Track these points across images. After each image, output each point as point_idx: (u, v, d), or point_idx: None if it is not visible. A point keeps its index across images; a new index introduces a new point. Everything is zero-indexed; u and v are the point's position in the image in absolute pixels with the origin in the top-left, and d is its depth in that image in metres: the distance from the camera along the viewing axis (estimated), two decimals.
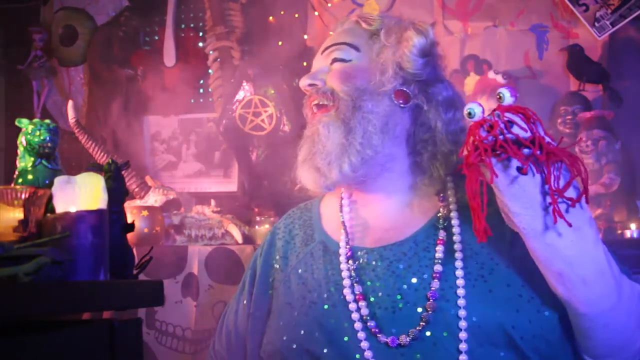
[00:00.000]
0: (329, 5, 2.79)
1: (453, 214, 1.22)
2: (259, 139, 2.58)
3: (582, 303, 1.07)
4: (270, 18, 2.79)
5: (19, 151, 1.24)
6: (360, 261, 1.22)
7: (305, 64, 2.76)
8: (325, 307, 1.20)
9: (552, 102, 2.67)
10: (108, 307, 1.13)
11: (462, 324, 1.10)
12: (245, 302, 1.35)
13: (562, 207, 1.00)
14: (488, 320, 1.11)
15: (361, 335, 1.14)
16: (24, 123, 1.24)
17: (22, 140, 1.23)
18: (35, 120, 1.24)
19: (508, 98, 1.01)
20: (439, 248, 1.19)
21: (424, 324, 1.12)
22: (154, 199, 2.50)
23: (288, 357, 1.19)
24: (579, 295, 1.06)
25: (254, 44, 2.82)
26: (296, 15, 2.81)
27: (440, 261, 1.17)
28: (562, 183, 1.00)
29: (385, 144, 1.22)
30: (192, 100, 2.98)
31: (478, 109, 1.01)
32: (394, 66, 1.25)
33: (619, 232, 2.41)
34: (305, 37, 2.80)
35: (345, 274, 1.21)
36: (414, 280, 1.16)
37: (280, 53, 2.74)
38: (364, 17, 1.34)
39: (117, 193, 1.19)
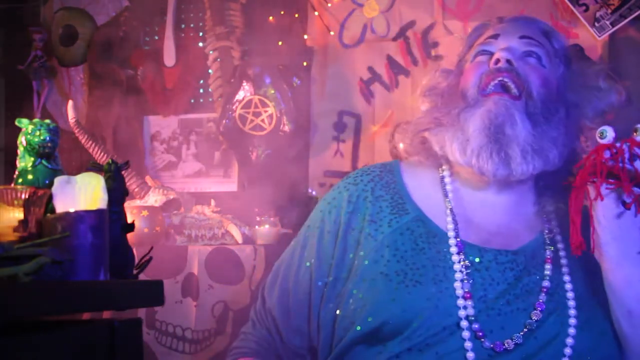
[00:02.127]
0: (329, 5, 2.79)
1: (558, 238, 1.22)
2: (259, 139, 2.58)
3: None
4: (270, 18, 2.79)
5: (19, 151, 1.24)
6: (475, 259, 1.18)
7: (305, 64, 2.76)
8: (433, 290, 1.14)
9: None
10: (108, 307, 1.13)
11: (567, 351, 1.11)
12: (311, 262, 1.27)
13: None
14: (586, 349, 1.11)
15: (465, 334, 1.12)
16: (24, 123, 1.24)
17: (22, 140, 1.23)
18: (35, 120, 1.24)
19: None
20: (548, 266, 1.19)
21: (523, 334, 1.11)
22: (154, 199, 2.50)
23: (377, 331, 1.14)
24: None
25: (254, 44, 2.82)
26: (296, 15, 2.81)
27: (548, 278, 1.17)
28: None
29: (555, 160, 1.19)
30: (192, 100, 2.98)
31: (611, 133, 1.06)
32: (572, 99, 1.26)
33: None
34: (305, 37, 2.80)
35: (457, 266, 1.16)
36: (522, 291, 1.16)
37: (280, 53, 2.74)
38: (552, 31, 1.32)
39: (117, 193, 1.18)
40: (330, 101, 2.75)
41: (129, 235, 1.20)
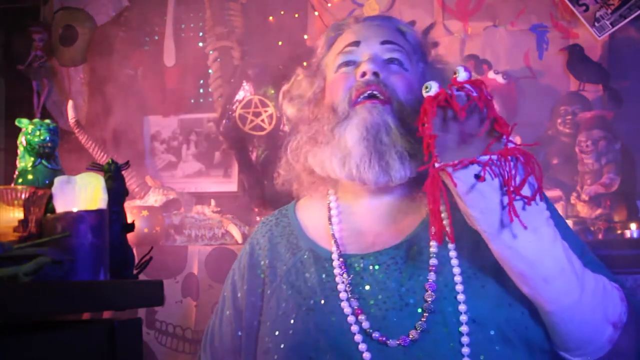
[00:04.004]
0: (329, 5, 2.79)
1: (443, 213, 1.22)
2: (259, 139, 2.58)
3: (546, 301, 1.09)
4: (270, 18, 2.79)
5: (19, 151, 1.24)
6: (356, 268, 1.21)
7: (305, 64, 2.76)
8: (324, 313, 1.18)
9: (552, 102, 2.67)
10: (108, 307, 1.13)
11: (462, 318, 1.11)
12: (229, 313, 1.33)
13: (518, 205, 1.03)
14: (483, 315, 1.12)
15: (363, 347, 1.13)
16: (24, 123, 1.24)
17: (22, 140, 1.23)
18: (35, 120, 1.24)
19: (463, 75, 1.05)
20: (433, 243, 1.19)
21: (424, 320, 1.12)
22: (154, 199, 2.50)
23: None
24: (542, 293, 1.08)
25: (254, 44, 2.82)
26: (296, 15, 2.81)
27: (435, 255, 1.18)
28: (517, 181, 1.02)
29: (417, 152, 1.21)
30: (192, 100, 2.98)
31: (435, 85, 1.05)
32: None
33: (619, 232, 2.40)
34: (305, 37, 2.80)
35: (341, 287, 1.19)
36: (412, 281, 1.17)
37: (280, 53, 2.74)
38: (407, 29, 1.34)
39: (117, 193, 1.19)
40: None
41: (129, 235, 1.20)
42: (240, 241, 2.36)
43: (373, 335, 1.13)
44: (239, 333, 1.30)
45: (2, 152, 3.16)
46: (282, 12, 2.80)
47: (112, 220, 1.13)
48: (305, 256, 1.28)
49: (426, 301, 1.14)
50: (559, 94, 2.71)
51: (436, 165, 1.04)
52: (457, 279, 1.15)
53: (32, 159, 1.23)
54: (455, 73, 1.06)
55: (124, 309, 1.07)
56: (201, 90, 2.96)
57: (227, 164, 2.93)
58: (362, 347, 1.13)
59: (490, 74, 2.68)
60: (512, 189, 1.02)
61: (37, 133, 1.22)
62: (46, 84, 3.05)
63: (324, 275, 1.23)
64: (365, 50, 1.27)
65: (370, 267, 1.21)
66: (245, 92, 2.58)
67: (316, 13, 2.77)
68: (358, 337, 1.14)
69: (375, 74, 1.23)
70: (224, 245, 2.31)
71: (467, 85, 1.04)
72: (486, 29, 2.79)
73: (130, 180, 2.47)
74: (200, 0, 2.90)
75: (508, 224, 1.03)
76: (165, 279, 2.14)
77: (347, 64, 1.29)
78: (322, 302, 1.20)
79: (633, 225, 2.38)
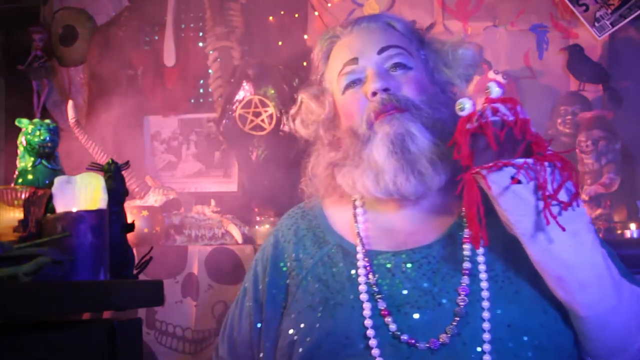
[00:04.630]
0: (329, 5, 2.79)
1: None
2: (259, 139, 2.58)
3: (582, 306, 1.08)
4: (270, 18, 2.79)
5: (19, 151, 1.24)
6: (387, 265, 1.20)
7: (305, 63, 2.76)
8: (353, 309, 1.17)
9: (552, 102, 2.67)
10: (108, 307, 1.13)
11: (494, 324, 1.10)
12: (249, 305, 1.33)
13: (555, 210, 1.02)
14: (517, 321, 1.11)
15: (388, 343, 1.12)
16: (24, 123, 1.24)
17: (22, 140, 1.23)
18: (35, 120, 1.24)
19: (496, 91, 1.04)
20: (466, 246, 1.19)
21: (455, 325, 1.11)
22: (154, 199, 2.50)
23: (312, 359, 1.17)
24: (578, 298, 1.07)
25: (254, 44, 2.82)
26: (296, 15, 2.81)
27: (468, 258, 1.17)
28: (554, 186, 1.01)
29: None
30: (192, 100, 2.98)
31: (468, 103, 1.04)
32: (443, 79, 1.28)
33: (619, 232, 2.40)
34: (305, 37, 2.80)
35: (366, 286, 1.18)
36: (445, 282, 1.16)
37: (280, 53, 2.74)
38: (396, 21, 1.33)
39: (117, 193, 1.19)
40: None
41: (129, 235, 1.20)
42: (240, 241, 2.36)
43: (402, 337, 1.12)
44: (258, 325, 1.29)
45: (2, 152, 3.16)
46: (282, 12, 2.80)
47: (112, 220, 1.13)
48: (333, 250, 1.27)
49: (458, 305, 1.12)
50: (559, 94, 2.70)
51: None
52: (491, 284, 1.14)
53: (32, 159, 1.23)
54: (487, 89, 1.05)
55: (124, 309, 1.07)
56: (201, 90, 2.96)
57: (227, 164, 2.92)
58: (381, 351, 1.12)
59: (490, 74, 2.68)
60: (547, 193, 1.01)
61: (37, 133, 1.22)
62: (46, 84, 3.05)
63: (353, 271, 1.22)
64: (366, 64, 1.26)
65: (402, 265, 1.20)
66: (245, 92, 2.58)
67: (316, 13, 2.77)
68: (379, 340, 1.13)
69: (386, 89, 1.22)
70: (224, 245, 2.31)
71: (502, 108, 1.02)
72: (486, 29, 2.78)
73: (130, 180, 2.47)
74: (200, 0, 2.90)
75: (544, 227, 1.02)
76: (165, 279, 2.14)
77: (353, 83, 1.27)
78: (351, 297, 1.19)
79: (633, 225, 2.38)
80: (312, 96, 1.35)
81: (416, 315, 1.14)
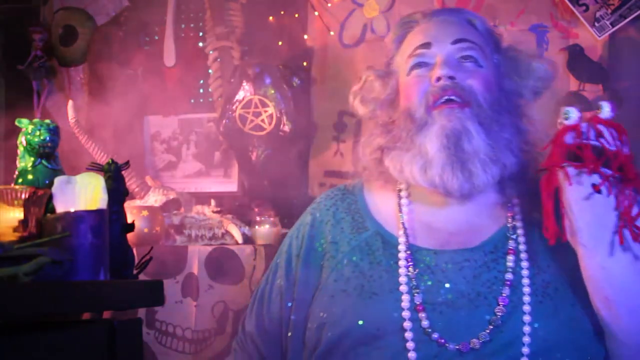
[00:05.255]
0: (329, 5, 2.79)
1: (519, 230, 1.21)
2: (259, 139, 2.58)
3: (624, 332, 1.08)
4: (270, 18, 2.79)
5: (19, 151, 1.24)
6: (428, 261, 1.19)
7: (305, 63, 2.76)
8: (389, 301, 1.16)
9: (552, 102, 2.66)
10: (108, 307, 1.13)
11: (526, 339, 1.10)
12: (280, 283, 1.30)
13: (627, 234, 1.02)
14: (551, 339, 1.11)
15: (417, 339, 1.12)
16: (24, 123, 1.24)
17: (22, 140, 1.23)
18: (35, 120, 1.24)
19: (607, 111, 1.03)
20: (510, 257, 1.18)
21: (488, 332, 1.11)
22: (154, 199, 2.50)
23: (340, 344, 1.16)
24: (622, 323, 1.07)
25: (254, 44, 2.82)
26: (296, 15, 2.80)
27: (511, 270, 1.16)
28: (634, 211, 1.01)
29: (512, 166, 1.20)
30: (192, 100, 2.97)
31: (575, 114, 1.04)
32: (511, 88, 1.27)
33: None
34: (305, 37, 2.80)
35: (405, 278, 1.17)
36: (485, 288, 1.15)
37: (280, 53, 2.74)
38: (477, 19, 1.32)
39: (117, 193, 1.19)
40: (330, 101, 2.74)
41: (129, 235, 1.20)
42: (240, 241, 2.36)
43: (432, 335, 1.12)
44: (289, 304, 1.28)
45: (2, 152, 3.16)
46: (282, 12, 2.80)
47: (112, 220, 1.13)
48: (372, 238, 1.25)
49: (495, 314, 1.12)
50: (559, 94, 2.70)
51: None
52: (531, 298, 1.14)
53: (32, 159, 1.23)
54: (598, 109, 1.05)
55: (124, 309, 1.07)
56: (201, 90, 2.95)
57: (227, 164, 2.92)
58: (414, 345, 1.12)
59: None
60: (626, 216, 1.00)
61: (37, 133, 1.22)
62: (46, 84, 3.05)
63: (392, 262, 1.21)
64: (438, 52, 1.24)
65: (444, 264, 1.19)
66: (245, 92, 2.58)
67: (316, 13, 2.77)
68: (412, 334, 1.12)
69: (451, 77, 1.20)
70: (224, 245, 2.31)
71: (606, 133, 1.02)
72: None
73: (130, 180, 2.47)
74: (200, 0, 2.90)
75: (609, 243, 1.02)
76: (165, 279, 2.14)
77: (419, 65, 1.25)
78: (388, 288, 1.18)
79: None
80: (377, 76, 1.34)
81: (451, 316, 1.13)
